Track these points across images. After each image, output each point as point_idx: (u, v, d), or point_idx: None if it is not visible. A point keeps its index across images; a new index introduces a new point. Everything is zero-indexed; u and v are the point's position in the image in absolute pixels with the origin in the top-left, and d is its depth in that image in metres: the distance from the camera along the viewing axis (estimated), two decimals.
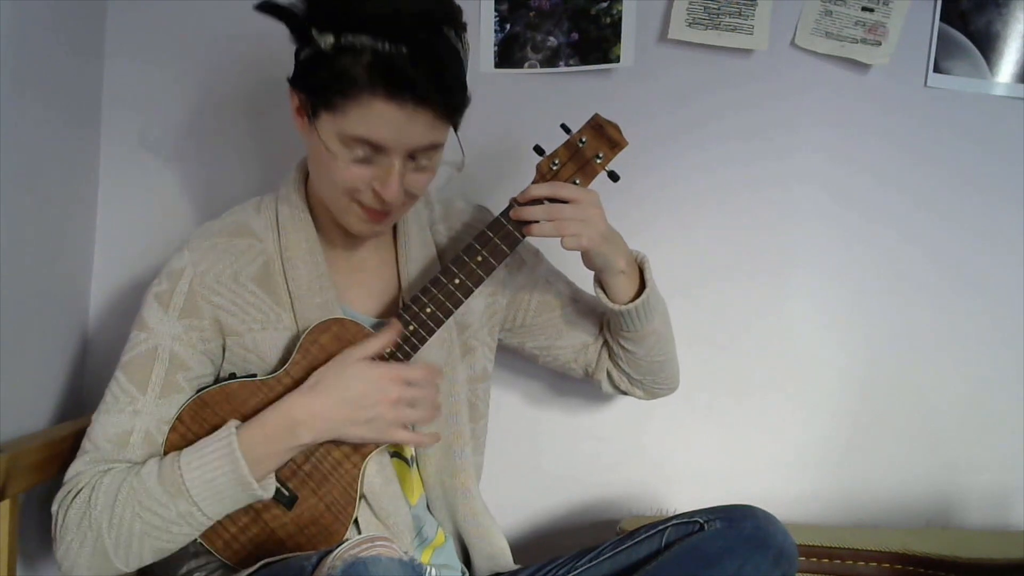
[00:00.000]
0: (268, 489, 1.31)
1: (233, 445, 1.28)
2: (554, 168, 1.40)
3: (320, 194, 1.40)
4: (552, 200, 1.37)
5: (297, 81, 1.33)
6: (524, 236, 1.39)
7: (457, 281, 1.38)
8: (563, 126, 1.41)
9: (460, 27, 1.31)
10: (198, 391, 1.37)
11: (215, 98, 1.83)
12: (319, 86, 1.28)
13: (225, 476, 1.27)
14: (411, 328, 1.37)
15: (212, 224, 1.45)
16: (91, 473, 1.31)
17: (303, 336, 1.37)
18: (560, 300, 1.59)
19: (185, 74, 1.83)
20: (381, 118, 1.25)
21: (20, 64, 1.47)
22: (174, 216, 1.84)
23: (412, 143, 1.29)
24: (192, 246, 1.40)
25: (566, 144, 1.41)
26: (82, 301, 1.80)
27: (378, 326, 1.41)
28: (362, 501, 1.39)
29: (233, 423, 1.32)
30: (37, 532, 1.58)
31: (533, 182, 1.40)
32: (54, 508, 1.31)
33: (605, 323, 1.58)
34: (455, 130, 1.36)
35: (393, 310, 1.47)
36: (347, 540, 1.15)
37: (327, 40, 1.24)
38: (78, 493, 1.29)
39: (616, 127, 1.41)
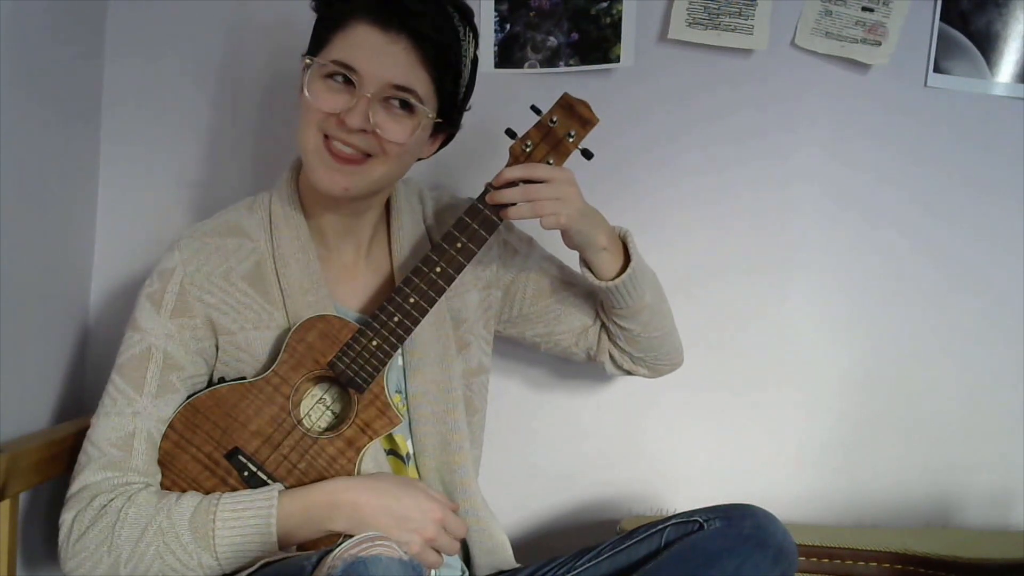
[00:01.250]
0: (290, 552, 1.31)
1: (271, 520, 1.28)
2: (526, 150, 1.40)
3: (301, 153, 1.39)
4: (527, 181, 1.38)
5: (308, 49, 1.38)
6: (501, 220, 1.39)
7: (438, 269, 1.37)
8: (533, 107, 1.41)
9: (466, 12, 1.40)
10: (188, 396, 1.37)
11: (216, 97, 1.83)
12: (317, 34, 1.35)
13: (255, 545, 1.27)
14: (396, 319, 1.37)
15: (203, 224, 1.45)
16: (108, 489, 1.30)
17: (289, 335, 1.37)
18: (555, 285, 1.59)
19: (186, 73, 1.83)
20: (360, 40, 1.31)
21: (20, 63, 1.47)
22: (174, 216, 1.83)
23: (387, 73, 1.32)
24: (182, 245, 1.41)
25: (537, 125, 1.41)
26: (82, 301, 1.80)
27: (361, 320, 1.43)
28: None
29: (277, 489, 1.32)
30: (37, 532, 1.58)
31: (507, 165, 1.40)
32: (67, 517, 1.30)
33: (599, 304, 1.58)
34: (441, 94, 1.38)
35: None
36: (346, 539, 1.14)
37: None
38: (100, 513, 1.28)
39: (586, 104, 1.41)
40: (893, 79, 1.83)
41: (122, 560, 1.27)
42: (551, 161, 1.40)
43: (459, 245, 1.38)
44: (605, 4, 1.82)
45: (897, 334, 1.88)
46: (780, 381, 1.88)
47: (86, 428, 1.50)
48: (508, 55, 1.84)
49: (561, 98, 1.41)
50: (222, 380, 1.39)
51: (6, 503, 1.36)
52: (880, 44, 1.81)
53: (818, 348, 1.88)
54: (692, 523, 1.36)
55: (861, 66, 1.83)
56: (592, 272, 1.48)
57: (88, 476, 1.32)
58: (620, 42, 1.83)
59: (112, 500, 1.29)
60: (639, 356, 1.59)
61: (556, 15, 1.83)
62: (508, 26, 1.84)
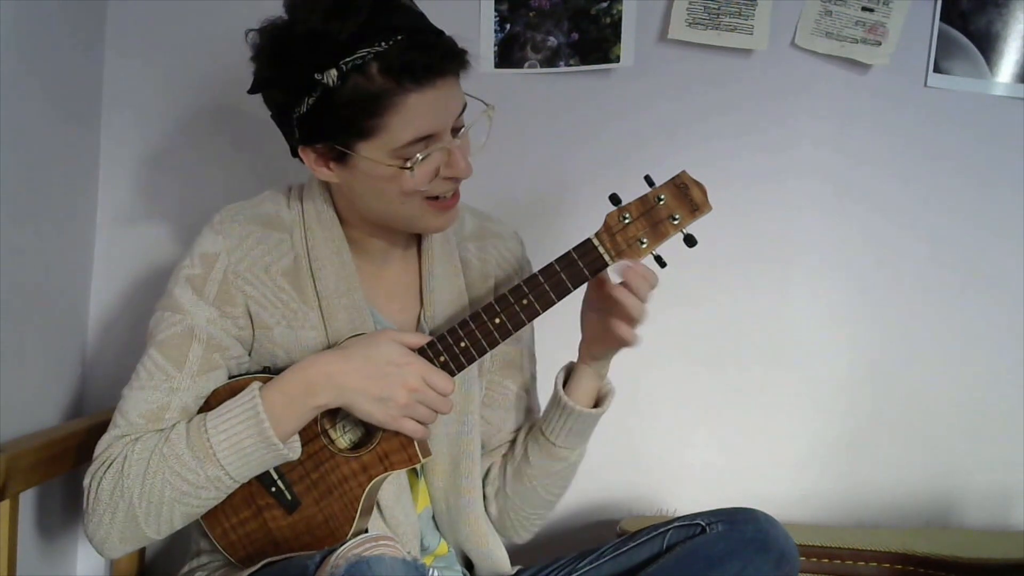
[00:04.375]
0: (294, 450, 1.31)
1: (258, 407, 1.27)
2: (624, 221, 1.31)
3: (382, 218, 1.37)
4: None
5: (310, 138, 1.31)
6: (574, 289, 1.33)
7: (498, 321, 1.33)
8: (647, 178, 1.32)
9: None
10: (233, 376, 1.36)
11: (217, 96, 1.83)
12: (343, 123, 1.27)
13: (251, 438, 1.26)
14: (442, 359, 1.33)
15: (243, 208, 1.41)
16: (122, 444, 1.29)
17: (342, 343, 1.35)
18: (517, 377, 1.54)
19: (186, 72, 1.83)
20: (423, 109, 1.26)
21: (21, 61, 1.47)
22: (175, 215, 1.83)
23: (453, 114, 1.30)
24: (225, 231, 1.37)
25: (641, 199, 1.32)
26: (82, 301, 1.79)
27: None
28: (374, 509, 1.38)
29: (256, 385, 1.31)
30: (38, 531, 1.58)
31: (596, 233, 1.32)
32: (86, 482, 1.29)
33: (527, 428, 1.51)
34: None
35: (414, 321, 1.46)
36: (350, 539, 1.14)
37: (331, 75, 1.23)
38: (111, 464, 1.28)
39: (702, 189, 1.31)
40: (893, 79, 1.83)
41: (135, 498, 1.26)
42: (644, 240, 1.31)
43: (525, 302, 1.32)
44: (605, 4, 1.82)
45: (897, 334, 1.88)
46: (780, 380, 1.88)
47: (86, 428, 1.51)
48: (508, 55, 1.84)
49: (678, 176, 1.31)
50: (267, 370, 1.38)
51: (6, 503, 1.36)
52: (880, 44, 1.81)
53: (817, 347, 1.88)
54: (695, 526, 1.35)
55: (861, 66, 1.83)
56: (565, 386, 1.43)
57: (108, 440, 1.31)
58: (620, 42, 1.83)
59: (124, 447, 1.29)
60: (508, 493, 1.49)
61: (556, 15, 1.83)
62: (508, 26, 1.83)
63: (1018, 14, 1.82)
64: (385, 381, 1.29)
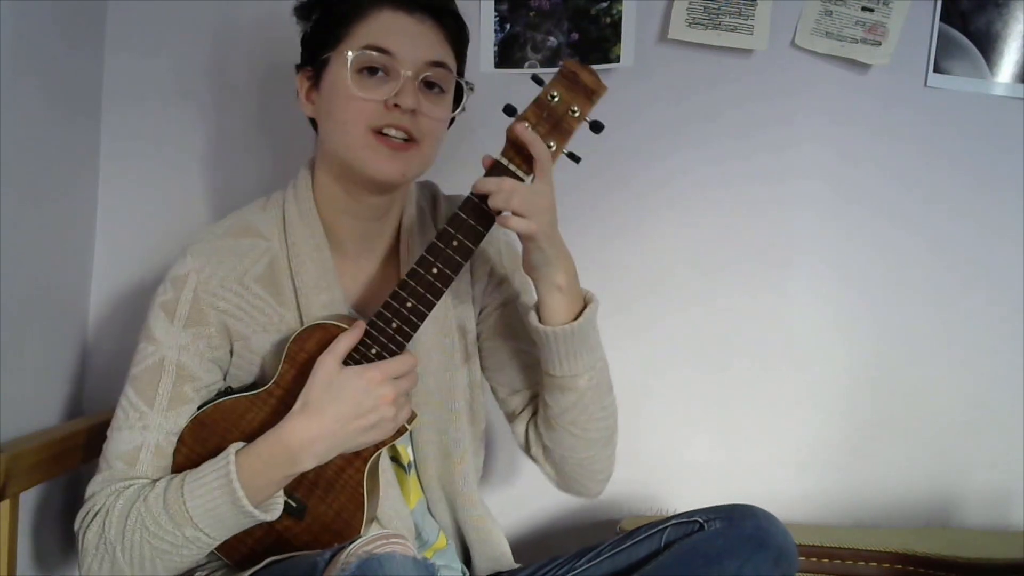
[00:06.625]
0: (273, 511, 1.30)
1: (231, 475, 1.26)
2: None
3: (339, 151, 1.35)
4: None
5: (305, 60, 1.39)
6: (496, 212, 1.27)
7: (435, 271, 1.28)
8: (534, 77, 1.27)
9: None
10: (199, 407, 1.36)
11: (216, 93, 1.83)
12: (323, 34, 1.34)
13: (225, 505, 1.26)
14: (394, 325, 1.29)
15: (215, 226, 1.43)
16: (105, 494, 1.31)
17: (288, 344, 1.33)
18: (516, 333, 1.51)
19: (186, 69, 1.83)
20: (389, 26, 1.31)
21: (20, 58, 1.47)
22: (175, 214, 1.83)
23: (421, 54, 1.32)
24: (194, 251, 1.38)
25: (535, 103, 1.26)
26: (82, 302, 1.79)
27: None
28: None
29: (233, 449, 1.29)
30: (37, 532, 1.58)
31: (502, 151, 1.28)
32: (76, 526, 1.32)
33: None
34: (458, 68, 1.40)
35: None
36: (361, 536, 1.14)
37: None
38: (95, 516, 1.30)
39: (591, 72, 1.25)
40: (893, 79, 1.83)
41: (118, 553, 1.27)
42: (552, 144, 1.26)
43: (455, 243, 1.28)
44: (605, 4, 1.82)
45: (897, 333, 1.88)
46: (780, 380, 1.88)
47: (86, 428, 1.52)
48: (508, 55, 1.84)
49: (561, 68, 1.26)
50: (229, 390, 1.38)
51: (6, 503, 1.36)
52: (880, 44, 1.81)
53: (818, 346, 1.88)
54: (692, 523, 1.35)
55: (861, 66, 1.83)
56: (539, 316, 1.35)
57: (93, 487, 1.33)
58: (620, 42, 1.83)
59: (107, 499, 1.30)
60: (550, 446, 1.44)
61: (556, 15, 1.83)
62: (508, 26, 1.84)
63: (1018, 14, 1.82)
64: (366, 411, 1.28)
